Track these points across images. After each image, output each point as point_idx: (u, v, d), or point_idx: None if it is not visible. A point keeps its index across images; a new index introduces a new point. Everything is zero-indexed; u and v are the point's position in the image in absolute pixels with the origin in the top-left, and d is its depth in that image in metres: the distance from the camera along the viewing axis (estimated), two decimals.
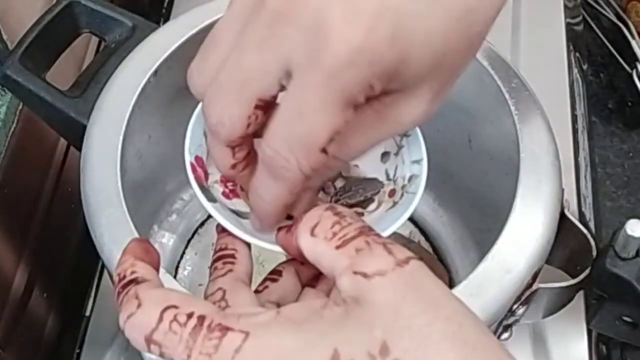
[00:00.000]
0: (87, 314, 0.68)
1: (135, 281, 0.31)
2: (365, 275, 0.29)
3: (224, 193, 0.41)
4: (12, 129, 0.60)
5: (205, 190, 0.39)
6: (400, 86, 0.33)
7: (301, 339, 0.28)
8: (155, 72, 0.53)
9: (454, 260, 0.67)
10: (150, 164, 0.57)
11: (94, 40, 0.74)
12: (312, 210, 0.32)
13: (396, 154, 0.42)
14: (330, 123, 0.31)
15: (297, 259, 0.34)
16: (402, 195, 0.41)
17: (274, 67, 0.31)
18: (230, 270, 0.35)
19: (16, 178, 0.61)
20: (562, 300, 0.52)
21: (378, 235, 0.31)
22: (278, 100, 0.33)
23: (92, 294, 0.70)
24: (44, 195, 0.67)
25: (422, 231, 0.69)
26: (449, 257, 0.68)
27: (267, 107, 0.33)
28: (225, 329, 0.28)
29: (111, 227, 0.47)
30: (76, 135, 0.53)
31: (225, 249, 0.36)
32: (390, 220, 0.39)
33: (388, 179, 0.42)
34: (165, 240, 0.68)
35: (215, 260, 0.36)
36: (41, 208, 0.67)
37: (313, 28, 0.30)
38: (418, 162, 0.41)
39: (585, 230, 0.50)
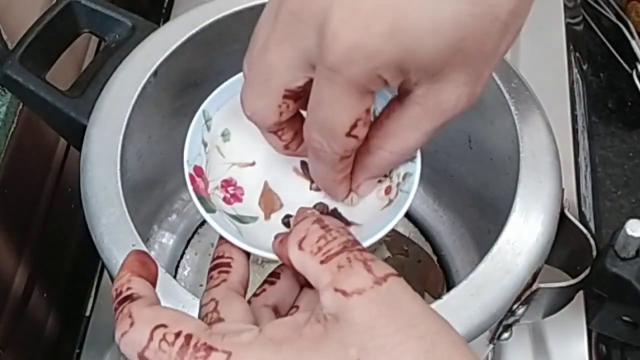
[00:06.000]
0: (87, 314, 0.68)
1: (130, 298, 0.32)
2: (344, 293, 0.30)
3: (224, 198, 0.41)
4: (12, 129, 0.60)
5: (203, 200, 0.39)
6: (423, 75, 0.34)
7: (279, 358, 0.29)
8: (155, 72, 0.53)
9: (454, 260, 0.67)
10: (150, 164, 0.57)
11: (94, 40, 0.74)
12: (301, 222, 0.34)
13: None
14: (347, 112, 0.34)
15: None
16: (397, 193, 0.41)
17: (295, 61, 0.35)
18: (225, 280, 0.36)
19: (16, 178, 0.61)
20: (562, 300, 0.52)
21: (361, 250, 0.32)
22: None
23: (92, 294, 0.70)
24: (44, 195, 0.67)
25: (422, 231, 0.69)
26: (449, 257, 0.68)
27: (297, 96, 0.36)
28: (210, 349, 0.29)
29: (111, 227, 0.47)
30: (76, 135, 0.53)
31: (222, 257, 0.37)
32: (385, 220, 0.39)
33: (385, 175, 0.42)
34: (165, 240, 0.68)
35: (211, 269, 0.37)
36: (41, 208, 0.67)
37: (318, 27, 0.33)
38: (412, 159, 0.41)
39: (585, 230, 0.50)
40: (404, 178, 0.41)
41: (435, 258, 0.68)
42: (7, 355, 0.61)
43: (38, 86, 0.54)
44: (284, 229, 0.41)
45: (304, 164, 0.43)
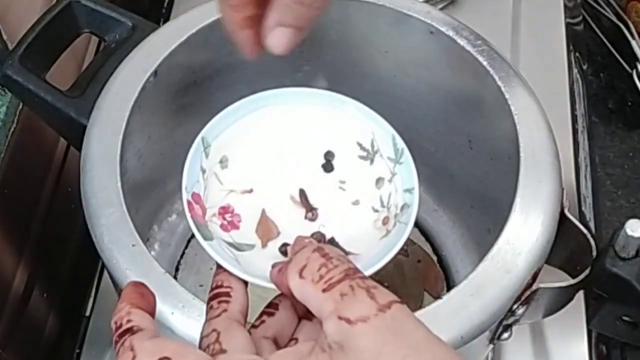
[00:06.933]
0: (87, 314, 0.68)
1: (130, 330, 0.32)
2: (349, 321, 0.30)
3: (222, 225, 0.41)
4: (12, 129, 0.60)
5: (201, 228, 0.39)
6: None
7: None
8: (155, 72, 0.53)
9: (454, 260, 0.67)
10: (150, 164, 0.57)
11: (94, 40, 0.74)
12: (301, 251, 0.33)
13: (390, 181, 0.42)
14: None
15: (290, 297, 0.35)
16: (395, 224, 0.41)
17: None
18: (225, 310, 0.35)
19: (16, 178, 0.61)
20: (562, 300, 0.52)
21: (363, 278, 0.32)
22: None
23: (92, 294, 0.70)
24: (44, 195, 0.67)
25: (422, 231, 0.69)
26: (449, 257, 0.68)
27: None
28: None
29: (111, 227, 0.47)
30: (76, 135, 0.53)
31: (221, 286, 0.37)
32: (382, 251, 0.39)
33: (382, 205, 0.42)
34: (165, 240, 0.68)
35: (211, 299, 0.37)
36: (41, 208, 0.67)
37: None
38: (410, 190, 0.41)
39: (585, 230, 0.50)
40: (401, 209, 0.41)
41: (435, 258, 0.68)
42: (7, 355, 0.61)
43: (38, 86, 0.54)
44: (281, 258, 0.40)
45: (302, 193, 0.43)
